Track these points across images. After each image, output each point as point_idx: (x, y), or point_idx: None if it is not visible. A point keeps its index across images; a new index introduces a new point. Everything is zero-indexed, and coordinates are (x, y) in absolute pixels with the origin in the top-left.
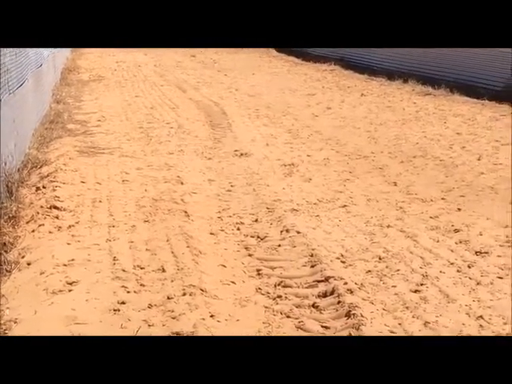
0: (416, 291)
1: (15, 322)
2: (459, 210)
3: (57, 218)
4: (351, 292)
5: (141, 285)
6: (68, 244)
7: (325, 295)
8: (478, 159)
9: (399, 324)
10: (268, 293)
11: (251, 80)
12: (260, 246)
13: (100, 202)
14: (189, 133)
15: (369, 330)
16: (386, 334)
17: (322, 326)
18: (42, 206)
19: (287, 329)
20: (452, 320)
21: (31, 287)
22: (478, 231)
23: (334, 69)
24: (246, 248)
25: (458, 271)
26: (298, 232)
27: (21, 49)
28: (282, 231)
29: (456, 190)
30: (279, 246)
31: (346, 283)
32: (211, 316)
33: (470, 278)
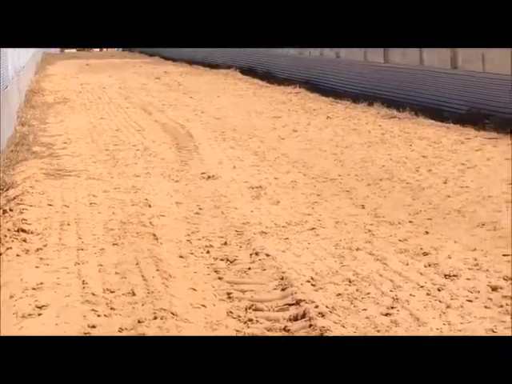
0: (387, 314)
1: None
2: (427, 233)
3: (24, 241)
4: (322, 315)
5: (111, 308)
6: (36, 267)
7: (296, 318)
8: (445, 182)
9: None
10: (239, 316)
11: (217, 102)
12: (230, 269)
13: (68, 224)
14: (155, 155)
15: None
16: None
17: None
18: (9, 229)
19: None
20: None
21: (0, 311)
22: (447, 254)
23: (299, 91)
24: (216, 271)
25: (427, 294)
26: (268, 255)
27: None
28: (251, 254)
29: (423, 213)
30: (249, 269)
31: (317, 306)
32: None
33: (440, 301)
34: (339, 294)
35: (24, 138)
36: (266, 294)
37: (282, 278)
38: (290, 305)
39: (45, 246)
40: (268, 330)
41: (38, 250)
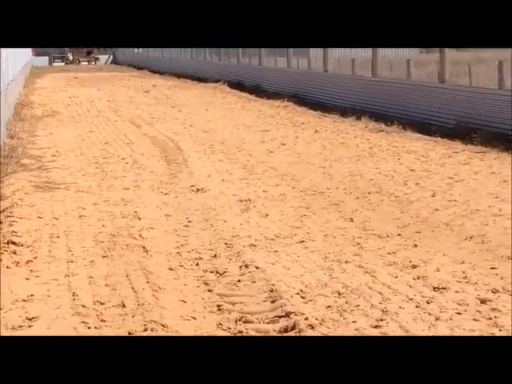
0: (376, 326)
1: None
2: (416, 246)
3: (14, 253)
4: (312, 327)
5: (101, 320)
6: (27, 279)
7: (286, 330)
8: (433, 196)
9: None
10: (229, 328)
11: (205, 116)
12: (220, 282)
13: (58, 237)
14: (144, 168)
15: None
16: None
17: None
18: None
19: None
20: None
21: None
22: (435, 267)
23: (287, 105)
24: (206, 283)
25: (417, 307)
26: (257, 267)
27: None
28: (241, 266)
29: (412, 226)
30: (239, 281)
31: (306, 318)
32: None
33: (429, 314)
34: (329, 307)
35: (13, 151)
36: (256, 306)
37: (272, 291)
38: (280, 317)
39: (35, 258)
40: None
41: (28, 262)
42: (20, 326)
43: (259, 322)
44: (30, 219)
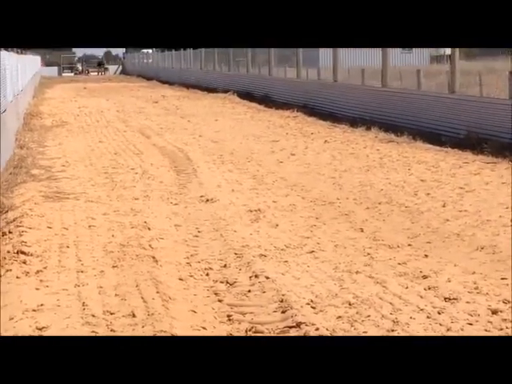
0: None
1: None
2: (426, 256)
3: (24, 263)
4: None
5: (111, 330)
6: (36, 289)
7: None
8: (443, 206)
9: None
10: None
11: (214, 126)
12: (230, 292)
13: (67, 247)
14: (154, 178)
15: None
16: None
17: None
18: (8, 251)
19: None
20: None
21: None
22: (446, 277)
23: (296, 115)
24: (216, 293)
25: (428, 317)
26: (267, 277)
27: None
28: (251, 277)
29: (422, 237)
30: (249, 291)
31: (317, 329)
32: None
33: (440, 325)
34: (339, 317)
35: (22, 161)
36: (266, 316)
37: (282, 301)
38: (291, 327)
39: (45, 268)
40: None
41: (37, 271)
42: (35, 335)
43: (269, 332)
44: (39, 229)
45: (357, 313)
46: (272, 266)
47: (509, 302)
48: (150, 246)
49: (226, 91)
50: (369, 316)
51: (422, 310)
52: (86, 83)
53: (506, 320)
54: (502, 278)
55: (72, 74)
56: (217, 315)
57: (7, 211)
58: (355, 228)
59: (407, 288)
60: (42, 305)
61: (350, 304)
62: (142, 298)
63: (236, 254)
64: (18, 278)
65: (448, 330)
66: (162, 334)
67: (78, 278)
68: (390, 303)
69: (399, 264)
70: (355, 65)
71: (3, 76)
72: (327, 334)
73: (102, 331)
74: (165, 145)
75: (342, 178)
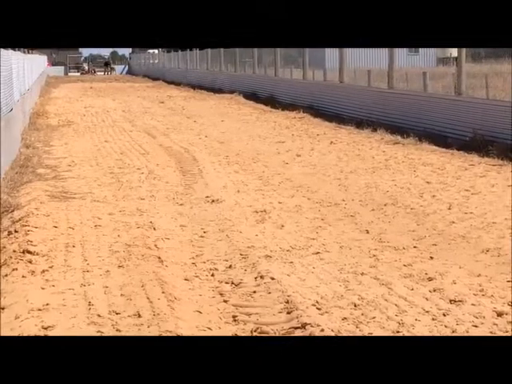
0: None
1: None
2: (432, 258)
3: (30, 262)
4: None
5: (117, 330)
6: (42, 288)
7: None
8: (449, 208)
9: None
10: None
11: (220, 127)
12: (235, 293)
13: (73, 246)
14: (160, 179)
15: None
16: None
17: None
18: (14, 251)
19: None
20: None
21: (6, 332)
22: (452, 280)
23: (302, 116)
24: (221, 294)
25: (433, 319)
26: (273, 278)
27: None
28: (256, 277)
29: (428, 239)
30: (254, 292)
31: (322, 330)
32: None
33: (445, 327)
34: (345, 318)
35: (28, 160)
36: (272, 317)
37: (288, 302)
38: (296, 328)
39: (50, 267)
40: None
41: (43, 271)
42: (36, 335)
43: (275, 333)
44: (45, 228)
45: (362, 314)
46: (277, 267)
47: None
48: (155, 246)
49: (231, 92)
50: (374, 317)
51: (427, 311)
52: (92, 83)
53: (511, 322)
54: (508, 281)
55: (78, 74)
56: (222, 316)
57: (13, 210)
58: (361, 229)
59: (412, 290)
60: (47, 304)
61: (355, 305)
62: (148, 298)
63: (241, 254)
64: (23, 277)
65: (453, 332)
66: (168, 334)
67: (83, 278)
68: (396, 305)
69: (405, 266)
70: (361, 66)
71: (10, 75)
72: (332, 335)
73: (108, 331)
74: (171, 145)
75: (347, 180)
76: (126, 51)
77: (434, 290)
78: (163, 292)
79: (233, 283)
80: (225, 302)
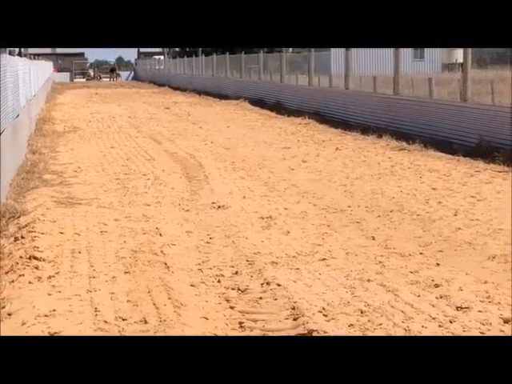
0: None
1: None
2: (438, 264)
3: (36, 268)
4: None
5: None
6: (49, 294)
7: None
8: (455, 214)
9: None
10: None
11: (226, 133)
12: (241, 299)
13: (79, 252)
14: (165, 185)
15: None
16: None
17: None
18: (21, 257)
19: None
20: None
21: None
22: (458, 286)
23: (308, 122)
24: (228, 300)
25: (439, 326)
26: (279, 285)
27: None
28: (262, 284)
29: (434, 245)
30: (260, 298)
31: None
32: None
33: (452, 333)
34: (351, 325)
35: (35, 166)
36: (278, 323)
37: (294, 308)
38: (302, 334)
39: (57, 273)
40: None
41: (50, 277)
42: (36, 336)
43: None
44: (51, 234)
45: (369, 321)
46: (283, 274)
47: None
48: (161, 252)
49: (237, 98)
50: (381, 324)
51: (433, 318)
52: (97, 89)
53: None
54: None
55: (84, 80)
56: (228, 322)
57: (19, 216)
58: (367, 236)
59: (419, 296)
60: (54, 310)
61: (361, 312)
62: (154, 304)
63: (247, 260)
64: (30, 283)
65: None
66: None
67: (90, 284)
68: (402, 311)
69: (411, 272)
70: (367, 72)
71: (16, 81)
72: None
73: None
74: (176, 151)
75: (353, 186)
76: (132, 57)
77: (441, 297)
78: (169, 298)
79: (239, 289)
80: (231, 308)
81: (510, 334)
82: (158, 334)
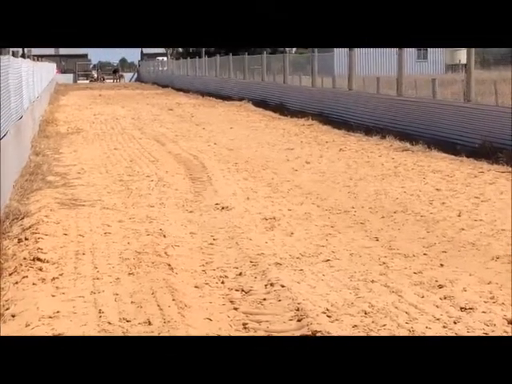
0: None
1: None
2: (442, 265)
3: (40, 269)
4: None
5: None
6: (53, 296)
7: None
8: (459, 215)
9: None
10: None
11: (229, 134)
12: (245, 300)
13: (83, 254)
14: (169, 186)
15: None
16: None
17: None
18: (25, 258)
19: None
20: None
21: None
22: (462, 287)
23: (311, 124)
24: (231, 301)
25: (444, 327)
26: (283, 286)
27: (2, 101)
28: (266, 285)
29: (438, 246)
30: (264, 299)
31: None
32: None
33: (456, 334)
34: (355, 326)
35: (38, 168)
36: (282, 324)
37: (298, 309)
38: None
39: (61, 275)
40: None
41: (54, 278)
42: (37, 336)
43: None
44: (55, 236)
45: (372, 322)
46: (287, 275)
47: None
48: (165, 253)
49: (240, 99)
50: (385, 325)
51: (437, 319)
52: (101, 90)
53: None
54: None
55: (87, 82)
56: (232, 323)
57: (23, 218)
58: (370, 237)
59: (423, 297)
60: (58, 312)
61: (365, 313)
62: (158, 305)
63: (251, 262)
64: (34, 284)
65: None
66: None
67: (93, 285)
68: (406, 312)
69: (415, 273)
70: (370, 73)
71: (20, 83)
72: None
73: None
74: (180, 152)
75: (357, 187)
76: (135, 58)
77: (445, 298)
78: (173, 299)
79: (243, 291)
80: (235, 309)
81: None
82: (162, 335)
